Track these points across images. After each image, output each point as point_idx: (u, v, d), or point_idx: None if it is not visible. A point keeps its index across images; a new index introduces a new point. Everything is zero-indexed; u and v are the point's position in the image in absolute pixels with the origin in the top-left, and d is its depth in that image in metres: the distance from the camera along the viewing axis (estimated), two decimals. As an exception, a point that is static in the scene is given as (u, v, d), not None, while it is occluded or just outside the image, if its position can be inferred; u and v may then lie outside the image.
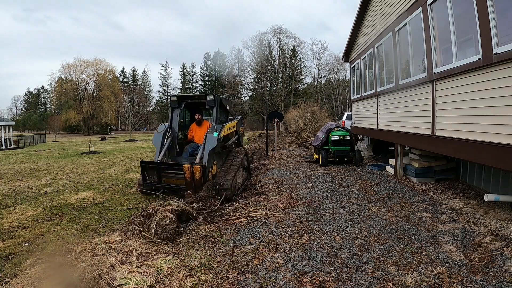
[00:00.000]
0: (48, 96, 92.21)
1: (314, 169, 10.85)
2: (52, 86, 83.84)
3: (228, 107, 9.74)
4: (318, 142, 12.27)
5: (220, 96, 9.17)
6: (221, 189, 7.29)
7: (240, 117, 10.70)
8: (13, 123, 44.37)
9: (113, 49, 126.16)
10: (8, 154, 23.89)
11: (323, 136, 12.04)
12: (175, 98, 9.22)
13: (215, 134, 8.00)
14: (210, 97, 8.91)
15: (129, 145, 31.45)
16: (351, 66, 15.37)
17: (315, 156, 12.47)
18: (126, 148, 26.16)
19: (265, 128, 16.41)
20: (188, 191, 7.06)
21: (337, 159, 11.55)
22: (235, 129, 9.84)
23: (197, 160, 7.72)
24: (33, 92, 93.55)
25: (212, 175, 7.70)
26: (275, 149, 17.48)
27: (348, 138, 11.65)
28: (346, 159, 11.59)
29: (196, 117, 9.33)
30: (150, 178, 8.17)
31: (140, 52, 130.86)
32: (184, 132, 9.73)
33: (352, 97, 15.29)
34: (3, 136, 34.69)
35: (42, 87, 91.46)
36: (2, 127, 35.09)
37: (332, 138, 11.63)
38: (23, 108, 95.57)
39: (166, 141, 8.64)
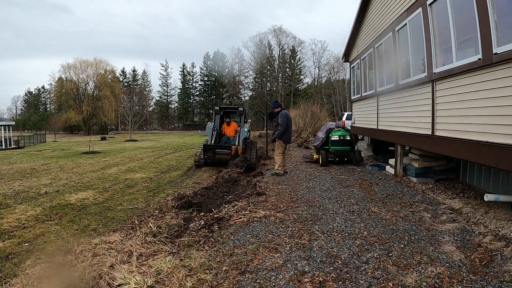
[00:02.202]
0: (48, 96, 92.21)
1: (314, 169, 10.85)
2: (52, 86, 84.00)
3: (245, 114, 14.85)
4: (318, 142, 12.27)
5: (245, 108, 15.01)
6: (249, 160, 12.50)
7: (250, 120, 15.53)
8: (13, 123, 44.45)
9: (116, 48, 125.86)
10: (8, 154, 23.92)
11: (323, 136, 12.03)
12: (218, 108, 14.80)
13: (246, 129, 13.60)
14: (241, 108, 14.80)
15: (129, 145, 31.47)
16: (351, 66, 15.38)
17: (315, 156, 12.46)
18: (126, 148, 26.19)
19: (265, 128, 16.78)
20: (231, 161, 12.15)
21: (337, 159, 11.54)
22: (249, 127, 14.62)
23: (236, 143, 13.24)
24: (33, 92, 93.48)
25: (240, 153, 12.72)
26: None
27: (348, 138, 11.64)
28: (346, 159, 11.58)
29: (226, 120, 14.66)
30: (208, 155, 13.13)
31: (143, 52, 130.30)
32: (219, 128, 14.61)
33: (352, 97, 15.29)
34: (3, 136, 34.74)
35: (43, 87, 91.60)
36: (2, 127, 35.14)
37: (332, 138, 11.62)
38: (23, 108, 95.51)
39: (214, 133, 13.85)
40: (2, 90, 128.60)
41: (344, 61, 16.93)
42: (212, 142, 13.59)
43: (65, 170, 13.75)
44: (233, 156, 12.73)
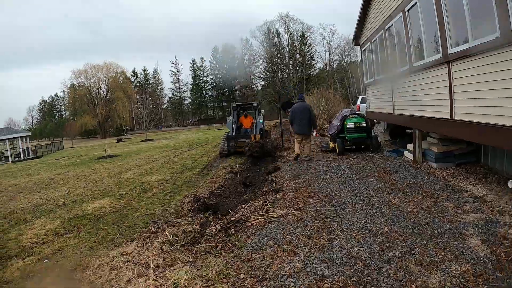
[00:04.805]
0: (62, 103, 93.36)
1: (331, 159, 10.63)
2: (65, 93, 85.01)
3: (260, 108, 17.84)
4: (334, 130, 12.04)
5: (258, 103, 18.50)
6: (266, 146, 13.91)
7: (262, 110, 18.24)
8: (30, 133, 45.59)
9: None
10: (27, 165, 24.48)
11: (338, 124, 11.79)
12: (235, 105, 17.74)
13: (261, 121, 15.72)
14: (255, 104, 17.55)
15: (145, 145, 31.73)
16: (362, 49, 15.00)
17: (331, 145, 12.19)
18: (142, 149, 26.37)
19: (279, 118, 16.82)
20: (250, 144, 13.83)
21: (353, 147, 11.30)
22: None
23: (254, 132, 14.99)
24: (47, 101, 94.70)
25: (258, 141, 14.19)
26: (291, 139, 17.28)
27: (364, 124, 11.34)
28: (363, 146, 11.32)
29: (244, 113, 17.24)
30: (231, 144, 15.12)
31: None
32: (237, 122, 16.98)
33: (365, 81, 14.93)
34: (20, 147, 35.77)
35: (56, 94, 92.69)
36: (19, 138, 36.12)
37: (348, 126, 11.34)
38: (38, 117, 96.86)
39: (234, 126, 16.18)
40: (17, 101, 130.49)
41: (355, 45, 16.42)
42: (234, 133, 15.97)
43: (82, 177, 13.91)
44: (254, 142, 14.41)
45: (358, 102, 25.41)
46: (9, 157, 34.73)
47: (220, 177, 10.71)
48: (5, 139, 36.08)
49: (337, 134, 11.81)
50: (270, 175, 9.40)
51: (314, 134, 12.05)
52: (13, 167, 24.77)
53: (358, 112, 14.04)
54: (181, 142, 29.85)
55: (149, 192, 9.84)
